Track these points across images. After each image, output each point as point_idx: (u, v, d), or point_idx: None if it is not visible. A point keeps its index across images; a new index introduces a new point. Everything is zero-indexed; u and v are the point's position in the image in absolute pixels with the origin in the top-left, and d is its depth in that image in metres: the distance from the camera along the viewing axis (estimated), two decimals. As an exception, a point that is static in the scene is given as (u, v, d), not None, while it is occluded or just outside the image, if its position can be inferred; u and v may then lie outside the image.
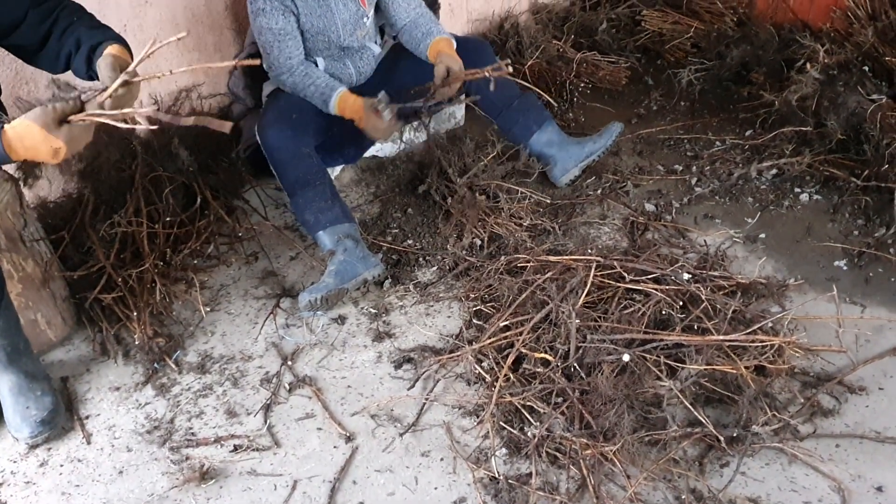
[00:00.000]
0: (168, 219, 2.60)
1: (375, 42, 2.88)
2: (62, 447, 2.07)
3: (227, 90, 3.06)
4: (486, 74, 2.62)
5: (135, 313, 2.36)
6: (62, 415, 2.12)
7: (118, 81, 1.57)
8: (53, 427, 2.08)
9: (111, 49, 1.73)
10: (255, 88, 2.94)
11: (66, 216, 2.55)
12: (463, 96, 2.79)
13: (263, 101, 2.85)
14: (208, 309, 2.49)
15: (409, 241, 2.75)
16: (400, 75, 2.88)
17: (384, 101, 2.57)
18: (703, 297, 2.18)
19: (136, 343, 2.32)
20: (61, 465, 2.02)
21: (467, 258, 2.60)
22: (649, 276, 2.26)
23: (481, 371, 2.17)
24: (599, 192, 2.94)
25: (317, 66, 2.70)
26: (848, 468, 1.89)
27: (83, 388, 2.24)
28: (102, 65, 1.69)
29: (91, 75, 1.79)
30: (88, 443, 2.08)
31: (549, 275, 2.31)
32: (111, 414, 2.16)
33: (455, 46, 2.73)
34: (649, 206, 2.85)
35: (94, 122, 1.57)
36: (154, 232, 2.56)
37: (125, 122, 1.59)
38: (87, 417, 2.15)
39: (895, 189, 2.59)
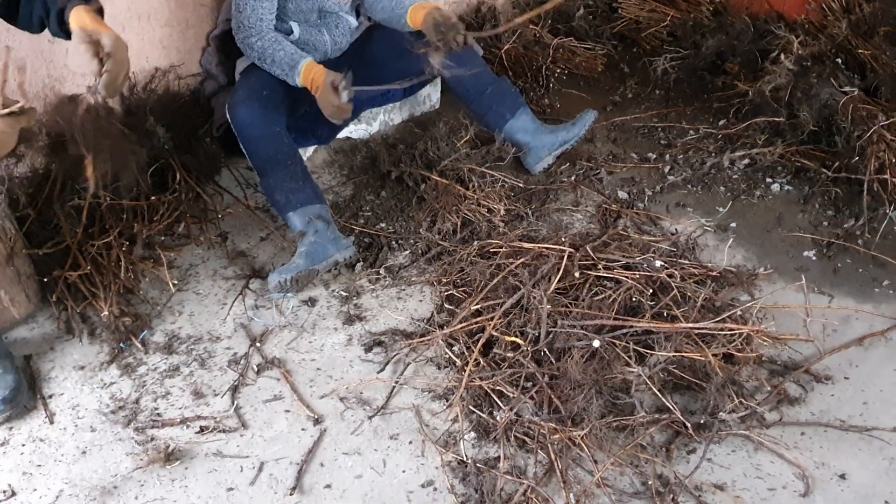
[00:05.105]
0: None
1: (351, 16, 2.85)
2: (24, 426, 2.03)
3: (199, 67, 3.01)
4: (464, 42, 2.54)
5: (101, 291, 2.33)
6: (25, 393, 2.08)
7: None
8: (15, 406, 2.04)
9: (76, 18, 1.70)
10: (229, 65, 2.90)
11: (33, 191, 2.50)
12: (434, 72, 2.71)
13: (237, 79, 2.81)
14: (177, 281, 2.46)
15: (382, 225, 2.73)
16: (373, 50, 2.87)
17: (347, 80, 2.50)
18: (674, 285, 2.20)
19: (102, 322, 2.28)
20: (23, 445, 1.98)
21: (440, 242, 2.59)
22: (620, 264, 2.27)
23: (451, 355, 2.16)
24: (573, 178, 2.93)
25: (292, 32, 2.67)
26: (812, 456, 1.91)
27: (47, 366, 2.20)
28: (80, 52, 1.69)
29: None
30: (51, 422, 2.04)
31: (521, 260, 2.31)
32: (75, 393, 2.12)
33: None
34: (622, 194, 2.86)
35: (14, 127, 1.60)
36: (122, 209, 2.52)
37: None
38: (50, 396, 2.12)
39: (864, 181, 2.61)
